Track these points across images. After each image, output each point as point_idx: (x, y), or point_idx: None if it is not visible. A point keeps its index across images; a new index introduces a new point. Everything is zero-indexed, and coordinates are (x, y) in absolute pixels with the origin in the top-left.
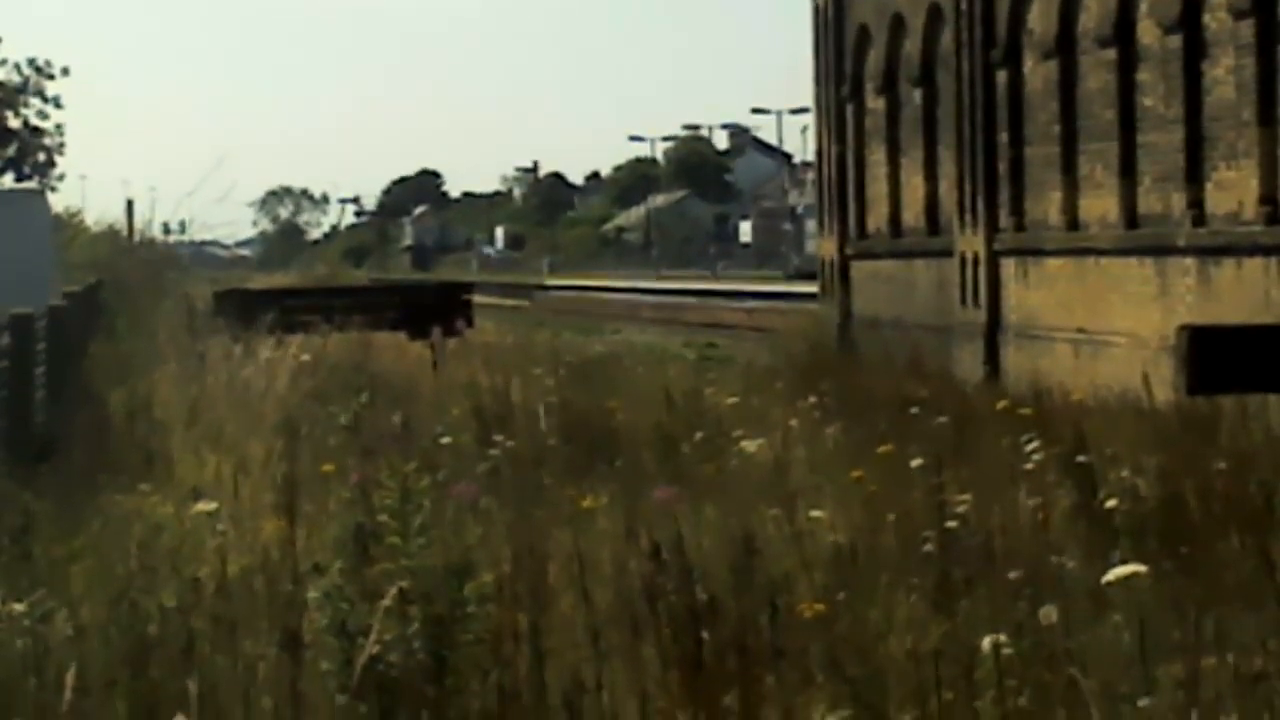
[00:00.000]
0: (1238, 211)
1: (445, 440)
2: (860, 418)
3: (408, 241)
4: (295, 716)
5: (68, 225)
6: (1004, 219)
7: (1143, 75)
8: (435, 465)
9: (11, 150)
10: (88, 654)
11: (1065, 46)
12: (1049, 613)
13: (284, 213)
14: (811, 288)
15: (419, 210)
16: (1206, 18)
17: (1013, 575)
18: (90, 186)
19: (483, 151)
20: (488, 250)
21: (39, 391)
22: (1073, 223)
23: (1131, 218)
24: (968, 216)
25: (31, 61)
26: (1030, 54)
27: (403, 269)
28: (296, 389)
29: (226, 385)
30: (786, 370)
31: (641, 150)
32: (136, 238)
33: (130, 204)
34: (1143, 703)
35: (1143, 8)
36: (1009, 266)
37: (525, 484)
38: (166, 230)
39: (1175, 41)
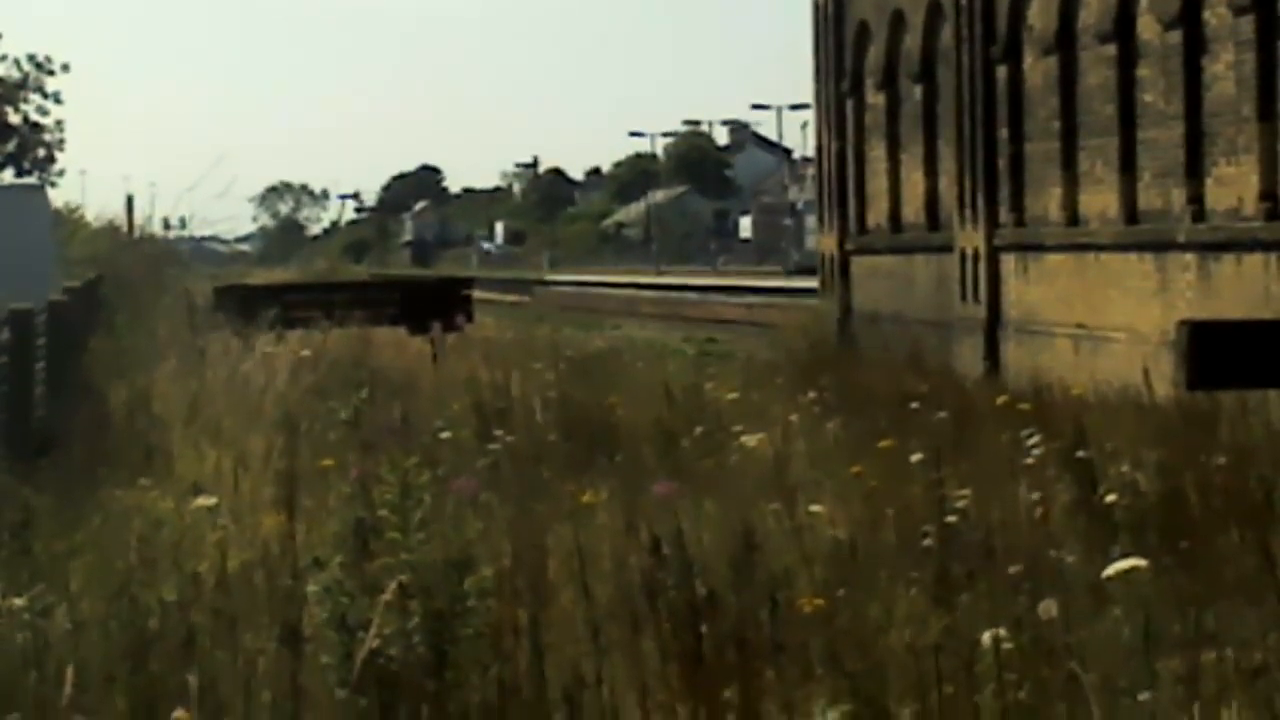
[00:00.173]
0: (1238, 207)
1: (445, 435)
2: (860, 413)
3: (408, 237)
4: (295, 710)
5: (68, 221)
6: (1004, 214)
7: (1143, 71)
8: (435, 460)
9: (11, 146)
10: (88, 648)
11: (1065, 42)
12: (1049, 607)
13: (284, 208)
14: (811, 283)
15: (419, 206)
16: (1206, 13)
17: (1013, 570)
18: (90, 182)
19: (483, 147)
20: (488, 246)
21: (39, 386)
22: (1073, 218)
23: (1131, 213)
24: (968, 212)
25: (32, 57)
26: (1030, 50)
27: (403, 264)
28: (296, 384)
29: (226, 380)
30: (786, 365)
31: (642, 146)
32: (136, 233)
33: (130, 199)
34: (1143, 697)
35: (1143, 3)
36: (1009, 262)
37: (525, 479)
38: (166, 226)
39: (1175, 37)
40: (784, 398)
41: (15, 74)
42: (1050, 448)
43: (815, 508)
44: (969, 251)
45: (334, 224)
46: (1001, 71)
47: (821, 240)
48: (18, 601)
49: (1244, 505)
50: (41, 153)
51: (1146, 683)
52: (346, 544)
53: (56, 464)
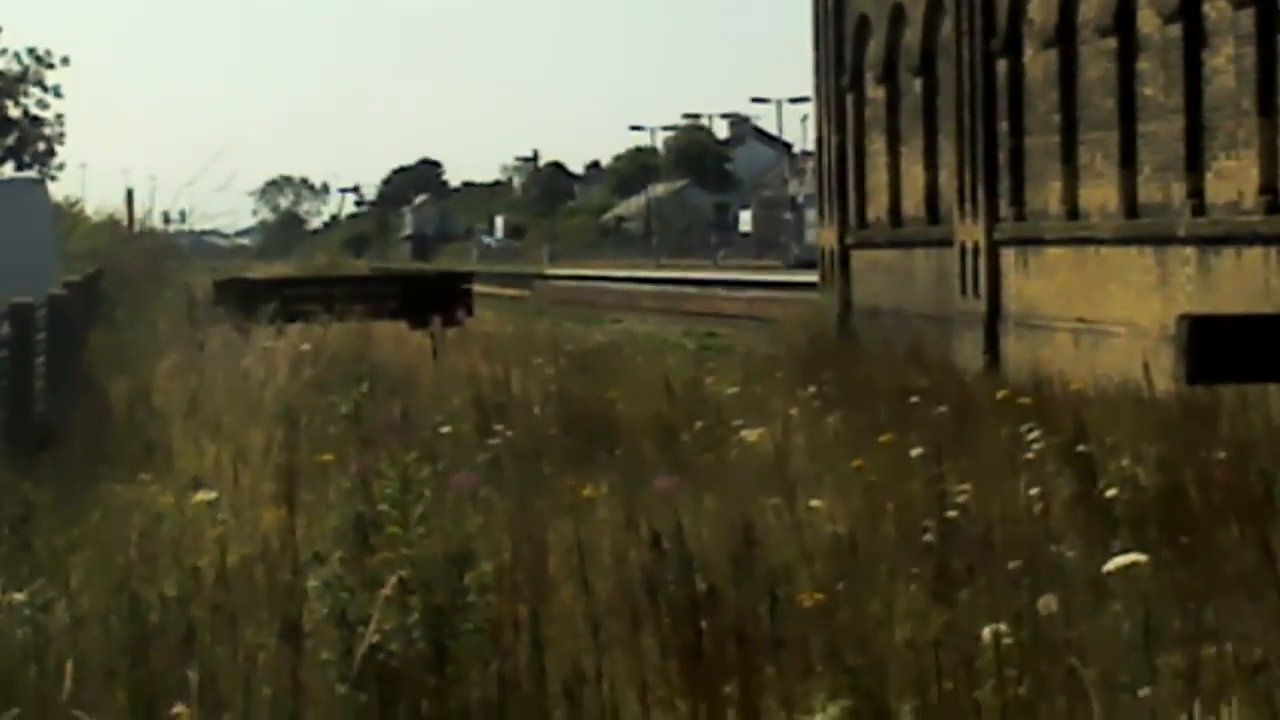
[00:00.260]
0: (1238, 201)
1: (445, 430)
2: (860, 407)
3: (408, 231)
4: (295, 706)
5: (68, 214)
6: (1004, 208)
7: (1143, 64)
8: (435, 455)
9: (11, 139)
10: (88, 643)
11: (1065, 36)
12: (1049, 602)
13: (284, 202)
14: (811, 277)
15: (419, 200)
16: (1206, 7)
17: (1013, 565)
18: (90, 176)
19: (483, 141)
20: (488, 240)
21: (39, 381)
22: (1073, 212)
23: (1131, 207)
24: (968, 206)
25: (31, 51)
26: (1030, 43)
27: (403, 258)
28: (296, 378)
29: (226, 375)
30: (786, 359)
31: (641, 139)
32: (136, 227)
33: (130, 193)
34: (1143, 692)
35: None
36: (1009, 256)
37: (525, 473)
38: (166, 219)
39: (1175, 31)
40: (784, 392)
41: (15, 67)
42: (1050, 442)
43: (815, 502)
44: (969, 245)
45: (334, 218)
46: (1001, 65)
47: (821, 234)
48: (18, 596)
49: (1244, 500)
50: (41, 146)
51: (1146, 678)
52: (346, 539)
53: (56, 458)
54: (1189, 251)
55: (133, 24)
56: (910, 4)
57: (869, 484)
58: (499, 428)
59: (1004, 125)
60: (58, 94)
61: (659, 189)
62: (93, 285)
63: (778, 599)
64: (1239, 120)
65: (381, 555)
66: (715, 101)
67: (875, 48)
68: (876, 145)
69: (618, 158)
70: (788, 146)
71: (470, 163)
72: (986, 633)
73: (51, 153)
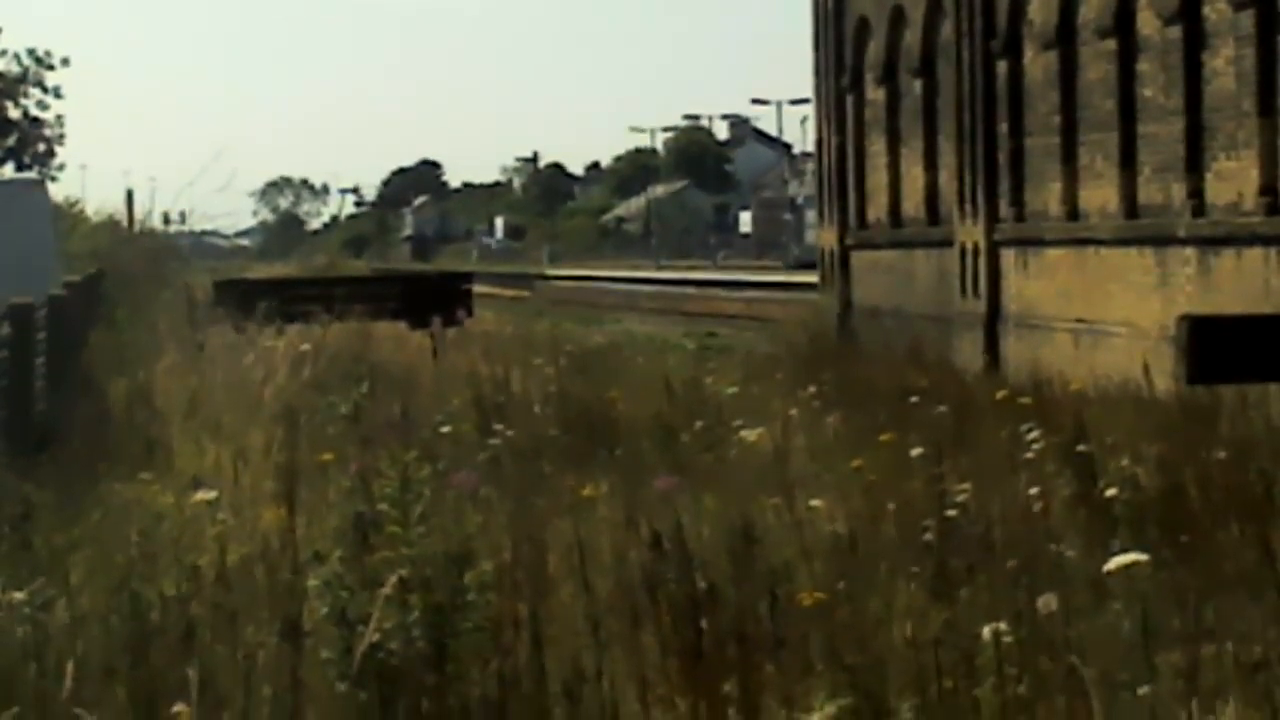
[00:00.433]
0: (1238, 202)
1: (445, 429)
2: (860, 407)
3: (408, 231)
4: (295, 704)
5: (68, 215)
6: (1004, 209)
7: (1143, 66)
8: (435, 454)
9: (11, 140)
10: (88, 642)
11: (1065, 37)
12: (1049, 601)
13: (284, 203)
14: (811, 278)
15: (419, 200)
16: (1206, 8)
17: (1012, 564)
18: (90, 176)
19: (483, 142)
20: (488, 240)
21: (39, 381)
22: (1073, 213)
23: (1131, 208)
24: (968, 207)
25: (31, 52)
26: (1030, 44)
27: (403, 259)
28: (296, 378)
29: (226, 375)
30: (786, 360)
31: (641, 140)
32: (137, 228)
33: (130, 194)
34: (1142, 691)
35: None
36: (1009, 256)
37: (525, 473)
38: (166, 220)
39: (1175, 32)
40: (784, 392)
41: (15, 68)
42: (1050, 442)
43: (815, 502)
44: (969, 246)
45: (334, 218)
46: (1001, 66)
47: (821, 235)
48: (18, 595)
49: (1244, 500)
50: (41, 147)
51: (1146, 677)
52: (346, 538)
53: (56, 458)
54: (1189, 252)
55: (133, 25)
56: (910, 5)
57: (869, 483)
58: (499, 427)
59: (1004, 126)
60: (58, 95)
61: (659, 190)
62: (93, 286)
63: (777, 598)
64: (1239, 121)
65: (381, 554)
66: (715, 102)
67: (875, 49)
68: (876, 146)
69: (618, 158)
70: (788, 147)
71: (470, 164)
72: (986, 631)
73: (51, 153)
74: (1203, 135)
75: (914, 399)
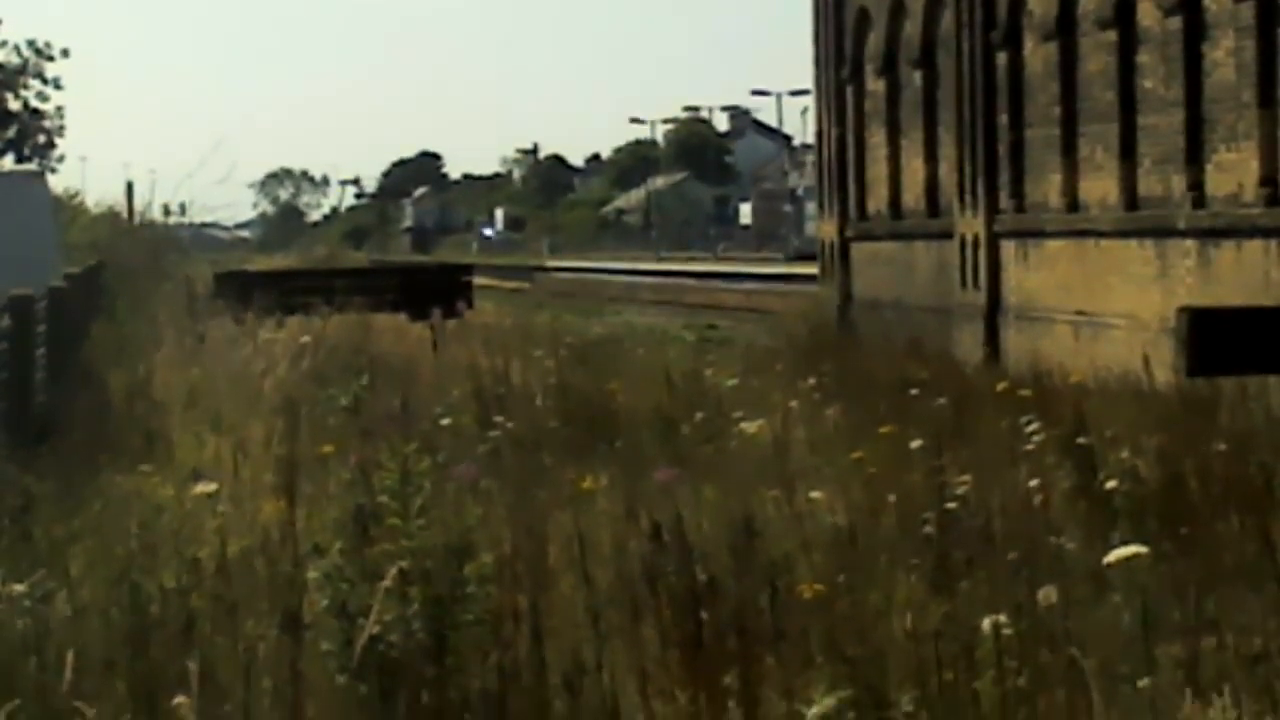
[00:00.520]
0: (1238, 193)
1: (445, 422)
2: (860, 399)
3: (408, 223)
4: (295, 696)
5: (68, 207)
6: (1004, 201)
7: (1143, 57)
8: (435, 447)
9: (11, 132)
10: (88, 634)
11: (1065, 28)
12: (1049, 593)
13: (284, 195)
14: (811, 269)
15: (419, 192)
16: (1206, 0)
17: (1012, 556)
18: (90, 168)
19: (483, 133)
20: (488, 232)
21: (39, 373)
22: (1073, 204)
23: (1131, 199)
24: (968, 198)
25: (31, 43)
26: (1030, 36)
27: (403, 251)
28: (296, 370)
29: (226, 367)
30: (786, 352)
31: (641, 132)
32: (136, 220)
33: (130, 186)
34: (1142, 683)
35: None
36: (1009, 248)
37: (525, 465)
38: (166, 212)
39: (1175, 23)
40: (784, 384)
41: (15, 60)
42: (1050, 434)
43: (815, 494)
44: (969, 238)
45: (334, 210)
46: (1002, 57)
47: (821, 226)
48: (18, 587)
49: (1244, 491)
50: (41, 139)
51: (1146, 669)
52: (346, 530)
53: (57, 450)
54: (1189, 244)
55: (132, 16)
56: None
57: (869, 476)
58: (499, 419)
59: (1004, 118)
60: (57, 86)
61: (659, 181)
62: (93, 278)
63: (778, 590)
64: (1239, 113)
65: (381, 546)
66: (715, 94)
67: (875, 40)
68: (876, 138)
69: (618, 150)
70: (788, 139)
71: (470, 155)
72: (986, 624)
73: (51, 145)
74: (1203, 127)
75: (914, 391)
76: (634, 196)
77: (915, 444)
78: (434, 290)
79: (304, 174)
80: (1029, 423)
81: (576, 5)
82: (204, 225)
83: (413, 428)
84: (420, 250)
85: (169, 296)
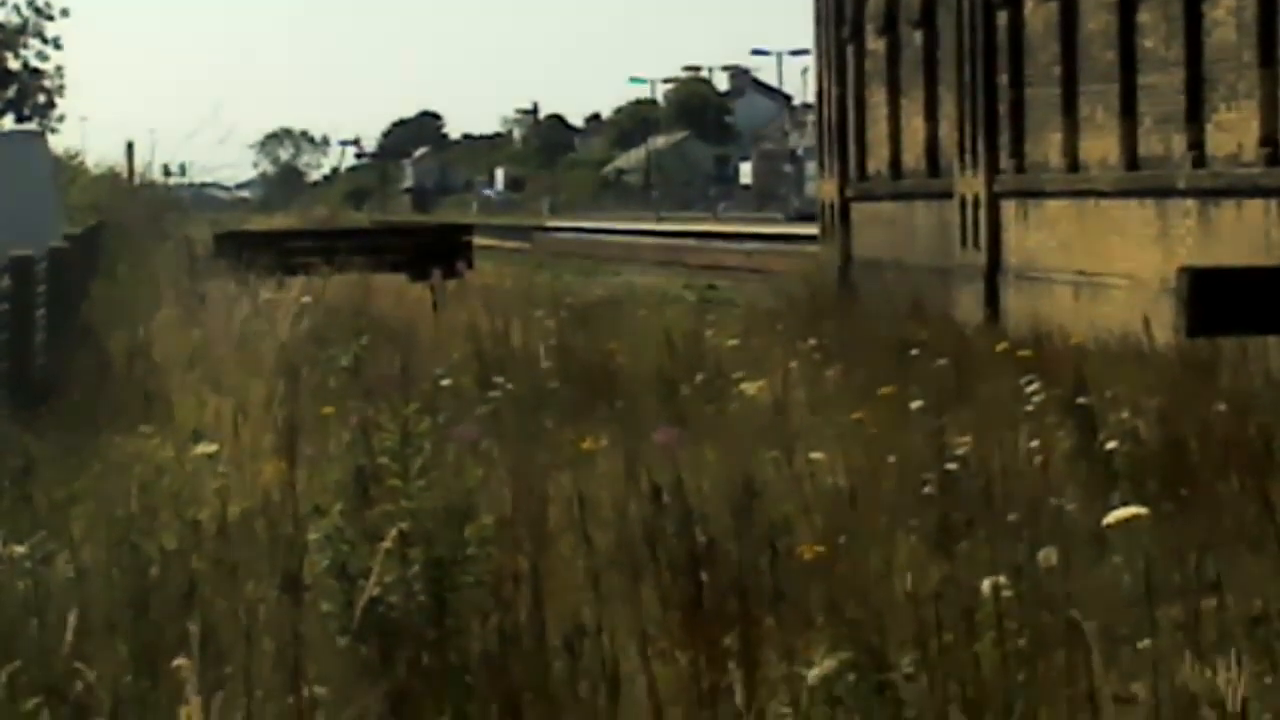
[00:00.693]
0: (1238, 153)
1: (445, 382)
2: (860, 360)
3: (408, 183)
4: (296, 658)
5: (68, 167)
6: (1004, 161)
7: (1143, 16)
8: (435, 408)
9: (11, 92)
10: (89, 596)
11: None
12: (1049, 555)
13: (284, 155)
14: (812, 230)
15: (419, 152)
16: None
17: (1012, 517)
18: (90, 129)
19: (483, 93)
20: (488, 192)
21: (39, 334)
22: (1073, 164)
23: (1132, 159)
24: (968, 158)
25: (31, 3)
26: None
27: (403, 211)
28: (296, 331)
29: (226, 327)
30: (786, 312)
31: (642, 92)
32: (137, 180)
33: (130, 146)
34: (1143, 645)
35: None
36: (1009, 208)
37: (525, 426)
38: (167, 172)
39: None
40: (784, 345)
41: (15, 19)
42: (1050, 395)
43: (815, 455)
44: (969, 198)
45: (334, 170)
46: (1002, 17)
47: (822, 187)
48: (18, 549)
49: (1244, 452)
50: (41, 99)
51: (1146, 630)
52: (347, 492)
53: (57, 411)
54: (1189, 204)
55: None
56: None
57: (869, 437)
58: (499, 380)
59: (1004, 77)
60: (57, 46)
61: (659, 141)
62: (93, 238)
63: (778, 551)
64: (1239, 72)
65: (382, 508)
66: (715, 54)
67: (875, 0)
68: (877, 98)
69: (618, 110)
70: (788, 99)
71: (470, 115)
72: (986, 585)
73: (51, 105)
74: (1203, 86)
75: (914, 351)
76: (634, 156)
77: (915, 405)
78: (434, 251)
79: (304, 134)
80: (1029, 383)
81: None
82: (204, 185)
83: (413, 389)
84: (420, 210)
85: (169, 257)
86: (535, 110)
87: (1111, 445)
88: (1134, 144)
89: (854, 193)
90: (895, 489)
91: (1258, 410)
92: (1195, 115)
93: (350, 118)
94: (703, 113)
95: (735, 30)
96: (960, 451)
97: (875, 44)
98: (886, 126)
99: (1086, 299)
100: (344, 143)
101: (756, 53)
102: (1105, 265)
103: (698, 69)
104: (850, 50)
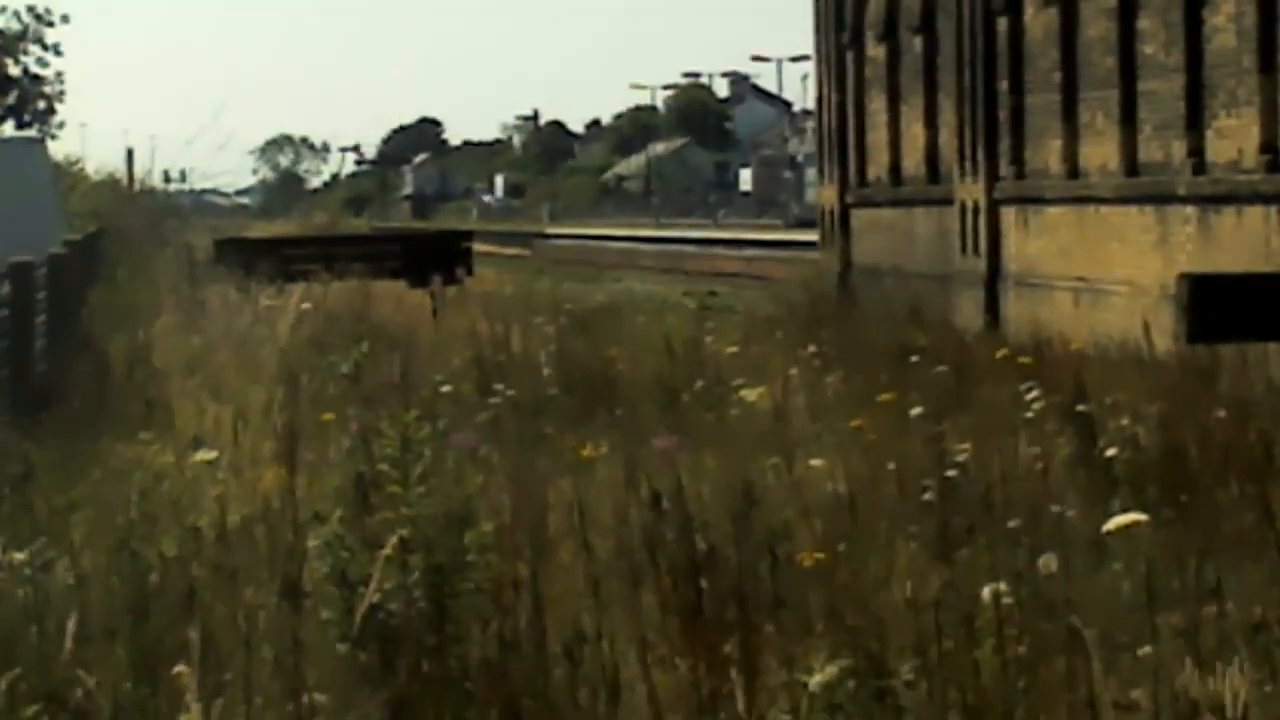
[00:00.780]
0: (1238, 159)
1: (445, 389)
2: (860, 366)
3: (408, 190)
4: (296, 665)
5: (68, 174)
6: (1004, 167)
7: (1143, 23)
8: (435, 414)
9: (11, 98)
10: (88, 603)
11: None
12: (1049, 561)
13: (284, 161)
14: (811, 236)
15: (419, 159)
16: None
17: (1012, 524)
18: (90, 135)
19: (483, 100)
20: (488, 199)
21: (39, 341)
22: (1073, 171)
23: (1132, 166)
24: (968, 164)
25: (31, 9)
26: (1031, 1)
27: (403, 217)
28: (296, 338)
29: (226, 334)
30: (786, 319)
31: (642, 98)
32: (137, 186)
33: (130, 152)
34: (1143, 651)
35: None
36: (1009, 215)
37: (526, 433)
38: (167, 179)
39: None
40: (784, 351)
41: (15, 26)
42: (1050, 401)
43: (815, 462)
44: (969, 204)
45: (334, 177)
46: (1002, 23)
47: (821, 193)
48: (18, 556)
49: (1244, 459)
50: (41, 105)
51: (1147, 637)
52: (347, 498)
53: (56, 418)
54: (1189, 210)
55: None
56: None
57: (869, 443)
58: (499, 387)
59: (1004, 84)
60: (57, 52)
61: (659, 148)
62: (93, 244)
63: (777, 558)
64: (1239, 78)
65: (382, 515)
66: (715, 60)
67: (875, 6)
68: (877, 104)
69: (618, 116)
70: (788, 105)
71: (470, 122)
72: (986, 592)
73: (51, 111)
74: (1203, 93)
75: (914, 358)
76: (634, 163)
77: (915, 411)
78: (434, 257)
79: (304, 140)
80: (1029, 390)
81: None
82: (204, 192)
83: (413, 395)
84: (420, 217)
85: (169, 264)
86: (535, 117)
87: (1111, 452)
88: (1134, 150)
89: (854, 199)
90: (895, 496)
91: (1258, 417)
92: (1195, 122)
93: (350, 124)
94: (703, 119)
95: (735, 37)
96: (960, 458)
97: (875, 50)
98: (886, 133)
99: (1086, 305)
100: (344, 149)
101: (756, 59)
102: (1105, 272)
103: (698, 75)
104: (850, 56)
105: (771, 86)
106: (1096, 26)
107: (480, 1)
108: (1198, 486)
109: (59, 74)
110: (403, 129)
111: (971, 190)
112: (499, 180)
